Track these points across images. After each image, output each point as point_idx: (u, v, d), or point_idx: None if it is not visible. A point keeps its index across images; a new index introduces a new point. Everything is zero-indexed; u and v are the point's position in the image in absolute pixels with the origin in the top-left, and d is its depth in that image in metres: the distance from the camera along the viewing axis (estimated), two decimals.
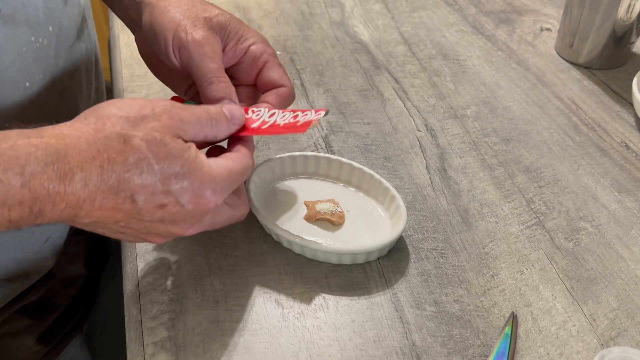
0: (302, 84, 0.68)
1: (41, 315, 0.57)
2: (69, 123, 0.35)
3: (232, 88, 0.45)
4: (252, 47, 0.47)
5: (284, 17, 0.81)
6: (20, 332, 0.55)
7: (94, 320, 0.65)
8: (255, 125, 0.43)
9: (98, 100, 0.52)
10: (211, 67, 0.44)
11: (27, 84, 0.40)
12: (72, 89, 0.46)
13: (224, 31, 0.46)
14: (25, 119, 0.36)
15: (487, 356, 0.41)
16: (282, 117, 0.43)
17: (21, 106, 0.40)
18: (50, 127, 0.35)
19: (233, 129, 0.42)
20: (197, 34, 0.44)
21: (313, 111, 0.43)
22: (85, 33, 0.48)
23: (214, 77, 0.44)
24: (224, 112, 0.41)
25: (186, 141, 0.37)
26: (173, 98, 0.48)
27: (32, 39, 0.40)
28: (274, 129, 0.42)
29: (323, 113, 0.43)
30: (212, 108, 0.40)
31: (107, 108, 0.36)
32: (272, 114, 0.44)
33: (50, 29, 0.42)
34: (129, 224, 0.36)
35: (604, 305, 0.45)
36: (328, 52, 0.74)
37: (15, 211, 0.32)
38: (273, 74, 0.47)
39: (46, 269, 0.54)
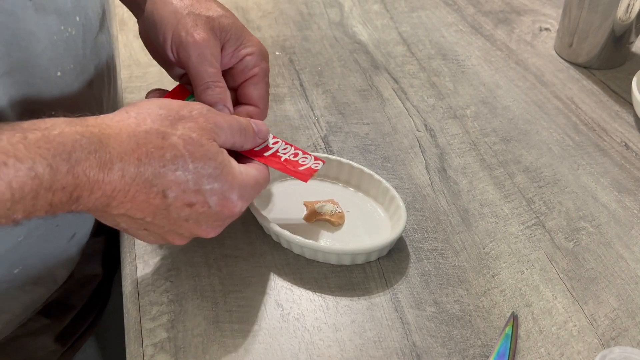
0: (301, 84, 0.68)
1: (58, 315, 0.57)
2: (110, 115, 0.37)
3: (228, 94, 0.45)
4: (248, 57, 0.46)
5: (283, 17, 0.81)
6: (38, 332, 0.55)
7: (105, 320, 0.65)
8: (257, 148, 0.45)
9: (116, 94, 0.52)
10: (209, 71, 0.44)
11: (59, 73, 0.40)
12: (97, 80, 0.46)
13: (224, 34, 0.45)
14: (57, 109, 0.36)
15: (487, 356, 0.41)
16: (284, 150, 0.46)
17: (53, 96, 0.40)
18: (93, 117, 0.36)
19: (259, 141, 0.44)
20: (198, 34, 0.43)
21: (312, 157, 0.46)
22: (106, 25, 0.48)
23: (211, 81, 0.44)
24: (252, 125, 0.43)
25: (219, 145, 0.39)
26: (177, 87, 0.47)
27: (62, 27, 0.40)
28: (276, 163, 0.44)
29: (321, 164, 0.46)
30: (242, 119, 0.42)
31: (148, 105, 0.38)
32: (276, 142, 0.46)
33: (77, 18, 0.41)
34: (155, 219, 0.37)
35: (604, 305, 0.45)
36: (327, 52, 0.74)
37: (57, 196, 0.33)
38: (254, 90, 0.47)
39: (70, 269, 0.54)
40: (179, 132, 0.37)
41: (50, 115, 0.34)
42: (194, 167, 0.36)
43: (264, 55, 0.47)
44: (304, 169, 0.45)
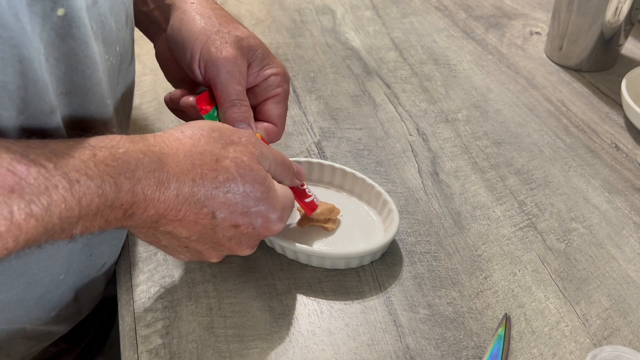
0: (294, 91, 0.68)
1: (77, 340, 0.57)
2: (167, 134, 0.38)
3: (251, 113, 0.45)
4: (272, 77, 0.47)
5: (276, 24, 0.81)
6: (57, 356, 0.55)
7: (112, 337, 0.64)
8: None
9: (128, 121, 0.52)
10: (237, 88, 0.44)
11: (108, 101, 0.41)
12: (121, 107, 0.47)
13: (252, 54, 0.46)
14: (98, 132, 0.36)
15: (480, 358, 0.41)
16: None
17: (100, 121, 0.41)
18: (152, 135, 0.37)
19: (296, 182, 0.46)
20: (227, 51, 0.44)
21: (316, 197, 0.49)
22: (135, 55, 0.48)
23: (237, 99, 0.44)
24: (293, 165, 0.45)
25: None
26: (206, 92, 0.47)
27: (107, 57, 0.41)
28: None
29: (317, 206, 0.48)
30: (285, 155, 0.44)
31: (202, 126, 0.39)
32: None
33: (118, 48, 0.42)
34: (200, 238, 0.39)
35: (596, 305, 0.46)
36: (320, 58, 0.74)
37: (115, 212, 0.33)
38: (275, 109, 0.48)
39: (95, 302, 0.54)
40: (231, 155, 0.38)
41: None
42: (244, 190, 0.38)
43: (287, 78, 0.48)
44: (309, 201, 0.48)
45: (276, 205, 0.40)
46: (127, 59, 0.46)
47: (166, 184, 0.35)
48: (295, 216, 0.50)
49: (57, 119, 0.37)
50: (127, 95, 0.48)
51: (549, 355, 0.42)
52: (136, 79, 0.69)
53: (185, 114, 0.48)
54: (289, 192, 0.43)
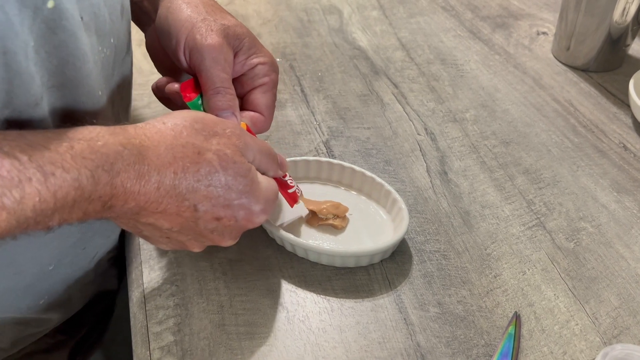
0: (302, 90, 0.68)
1: (73, 332, 0.57)
2: (148, 125, 0.37)
3: (237, 101, 0.45)
4: (259, 66, 0.47)
5: (283, 24, 0.81)
6: (53, 348, 0.55)
7: (111, 330, 0.65)
8: None
9: (128, 112, 0.52)
10: (221, 76, 0.44)
11: (100, 92, 0.41)
12: (118, 99, 0.47)
13: (238, 42, 0.46)
14: (89, 124, 0.37)
15: (491, 356, 0.42)
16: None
17: (90, 113, 0.41)
18: (132, 126, 0.36)
19: (280, 173, 0.45)
20: (212, 38, 0.44)
21: (299, 188, 0.48)
22: (131, 48, 0.48)
23: (222, 87, 0.44)
24: (277, 156, 0.44)
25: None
26: (191, 80, 0.47)
27: (100, 48, 0.41)
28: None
29: (300, 197, 0.48)
30: (269, 145, 0.43)
31: (184, 116, 0.38)
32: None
33: (112, 40, 0.42)
34: (182, 230, 0.38)
35: (605, 304, 0.46)
36: (327, 58, 0.74)
37: (93, 205, 0.33)
38: (262, 98, 0.47)
39: (87, 292, 0.54)
40: (214, 147, 0.37)
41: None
42: (226, 183, 0.37)
43: (274, 67, 0.48)
44: (292, 192, 0.47)
45: (259, 197, 0.39)
46: (123, 50, 0.46)
47: (147, 176, 0.34)
48: (302, 210, 0.50)
49: (42, 111, 0.36)
50: (123, 87, 0.48)
51: (560, 353, 0.42)
52: (145, 78, 0.69)
53: (171, 102, 0.48)
54: (273, 184, 0.42)
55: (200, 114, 0.40)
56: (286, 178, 0.47)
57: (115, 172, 0.33)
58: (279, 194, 0.45)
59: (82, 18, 0.37)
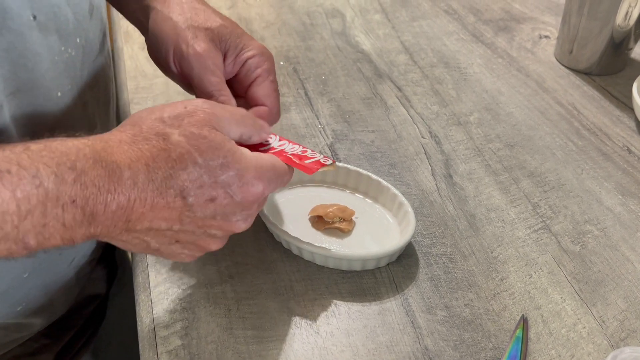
0: (306, 94, 0.68)
1: (59, 335, 0.56)
2: (108, 132, 0.36)
3: (233, 101, 0.45)
4: (249, 60, 0.46)
5: (286, 28, 0.82)
6: (38, 352, 0.54)
7: (101, 335, 0.65)
8: (263, 148, 0.43)
9: (109, 118, 0.52)
10: (212, 80, 0.44)
11: (59, 93, 0.41)
12: (92, 101, 0.46)
13: (224, 43, 0.46)
14: (54, 129, 0.36)
15: (499, 359, 0.42)
16: (291, 149, 0.44)
17: (54, 116, 0.40)
18: (91, 136, 0.35)
19: (263, 136, 0.42)
20: (199, 46, 0.44)
21: (322, 156, 0.44)
22: (106, 48, 0.48)
23: (215, 90, 0.44)
24: (255, 119, 0.42)
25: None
26: None
27: (62, 48, 0.40)
28: (283, 157, 0.42)
29: (330, 162, 0.44)
30: (243, 110, 0.41)
31: (140, 114, 0.37)
32: (282, 144, 0.44)
33: (78, 40, 0.42)
34: (182, 225, 0.36)
35: (612, 306, 0.46)
36: (330, 61, 0.75)
37: (69, 212, 0.31)
38: (259, 90, 0.46)
39: (69, 297, 0.53)
40: (179, 129, 0.35)
41: (49, 136, 0.33)
42: (204, 161, 0.35)
43: (266, 56, 0.47)
44: (310, 162, 0.43)
45: (247, 165, 0.37)
46: (94, 50, 0.45)
47: (118, 172, 0.33)
48: (306, 209, 0.50)
49: (3, 119, 0.36)
50: (98, 88, 0.47)
51: (567, 356, 0.42)
52: (149, 81, 0.69)
53: None
54: (267, 156, 0.40)
55: (157, 106, 0.38)
56: (283, 146, 0.44)
57: (79, 169, 0.31)
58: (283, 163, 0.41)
59: (34, 17, 0.36)
